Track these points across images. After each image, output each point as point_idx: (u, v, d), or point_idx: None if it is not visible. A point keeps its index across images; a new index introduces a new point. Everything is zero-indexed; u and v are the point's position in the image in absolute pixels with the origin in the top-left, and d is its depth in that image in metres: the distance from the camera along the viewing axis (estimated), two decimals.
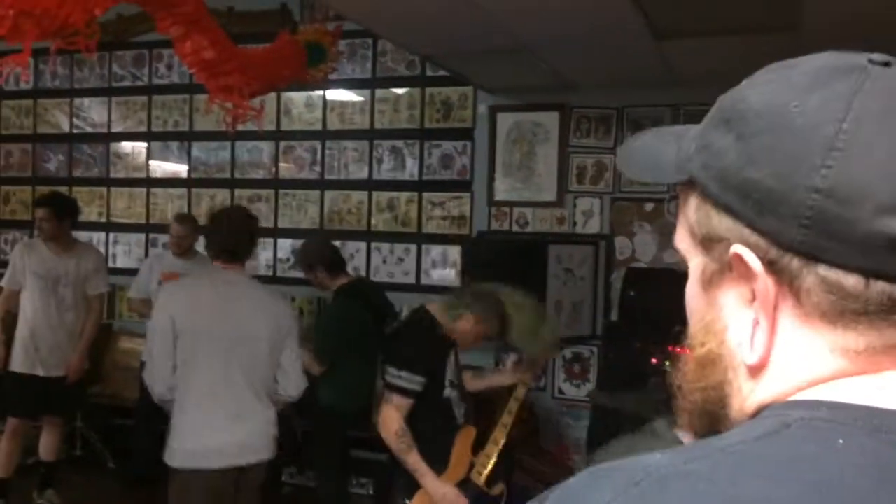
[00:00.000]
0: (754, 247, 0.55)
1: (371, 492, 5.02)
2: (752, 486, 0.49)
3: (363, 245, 5.45)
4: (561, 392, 5.03)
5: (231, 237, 2.93)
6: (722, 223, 0.57)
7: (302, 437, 5.23)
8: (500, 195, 5.16)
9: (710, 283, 0.60)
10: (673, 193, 4.74)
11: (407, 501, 2.87)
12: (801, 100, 0.54)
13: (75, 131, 6.40)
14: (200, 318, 2.82)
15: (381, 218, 5.51)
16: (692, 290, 0.62)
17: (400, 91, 5.45)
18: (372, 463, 5.07)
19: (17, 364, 4.53)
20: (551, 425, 4.96)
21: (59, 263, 4.61)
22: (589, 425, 4.63)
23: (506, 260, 4.56)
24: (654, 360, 4.14)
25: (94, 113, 6.35)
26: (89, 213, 6.27)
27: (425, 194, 5.38)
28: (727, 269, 0.58)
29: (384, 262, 5.47)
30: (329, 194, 5.66)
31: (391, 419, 2.82)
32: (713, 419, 0.60)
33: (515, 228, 5.13)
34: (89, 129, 6.36)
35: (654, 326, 4.24)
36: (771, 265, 0.55)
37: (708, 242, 0.59)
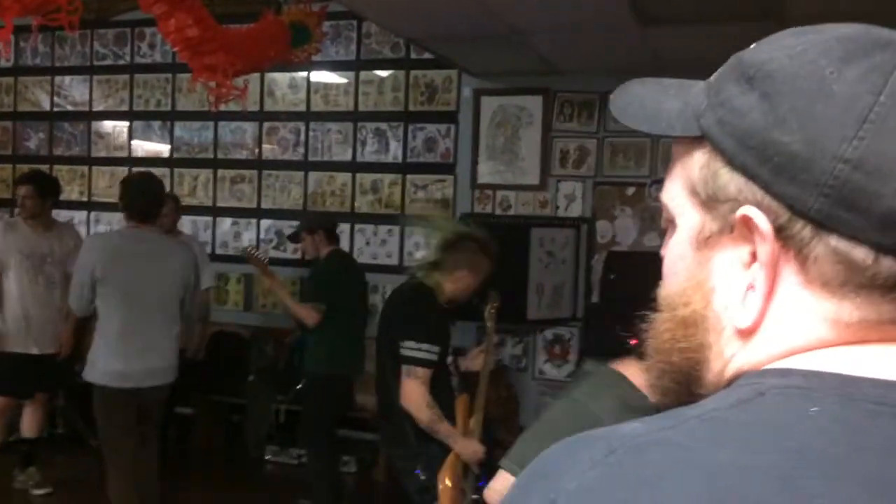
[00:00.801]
0: (766, 210, 0.54)
1: (354, 469, 5.06)
2: (728, 452, 0.49)
3: (346, 226, 5.47)
4: (541, 373, 5.10)
5: (138, 201, 3.50)
6: (732, 183, 0.55)
7: (285, 416, 5.28)
8: (483, 178, 5.19)
9: (706, 243, 0.58)
10: (655, 178, 4.80)
11: (421, 473, 2.86)
12: (837, 67, 0.52)
13: (56, 109, 6.35)
14: (117, 266, 3.43)
15: (365, 200, 5.52)
16: (679, 249, 0.60)
17: (384, 73, 5.45)
18: (354, 441, 5.14)
19: (11, 344, 4.50)
20: (532, 405, 5.02)
21: (44, 242, 4.59)
22: None
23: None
24: (633, 342, 4.20)
25: (76, 91, 6.29)
26: (70, 191, 6.23)
27: (409, 177, 5.40)
28: (728, 230, 0.56)
29: (367, 243, 5.50)
30: (313, 175, 5.66)
31: (419, 392, 2.82)
32: (687, 381, 0.60)
33: (498, 211, 5.16)
34: (70, 108, 6.31)
35: (634, 309, 4.30)
36: (780, 230, 0.54)
37: (711, 202, 0.57)
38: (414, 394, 2.82)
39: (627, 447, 0.51)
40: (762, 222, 0.54)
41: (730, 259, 0.57)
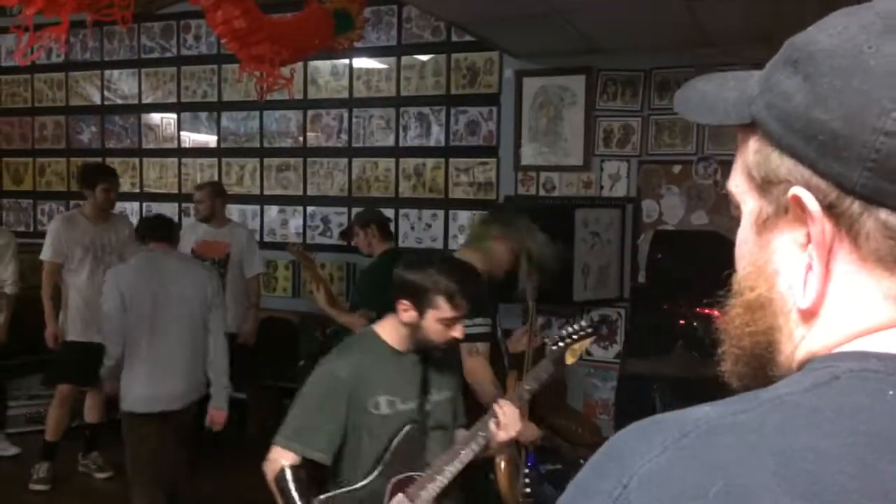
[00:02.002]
0: (814, 189, 0.54)
1: None
2: (802, 437, 0.48)
3: (391, 212, 5.51)
4: (589, 354, 5.08)
5: (148, 227, 3.70)
6: (782, 165, 0.57)
7: None
8: (526, 160, 5.18)
9: (765, 226, 0.59)
10: (701, 155, 4.73)
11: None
12: (874, 43, 0.52)
13: (106, 103, 6.50)
14: (143, 291, 3.48)
15: (408, 185, 5.55)
16: (744, 234, 0.62)
17: (425, 58, 5.46)
18: None
19: (76, 333, 4.65)
20: (578, 386, 5.02)
21: (102, 233, 4.73)
22: (617, 386, 4.69)
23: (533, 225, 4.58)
24: (681, 322, 4.17)
25: (125, 85, 6.43)
26: (123, 183, 6.39)
27: (452, 160, 5.41)
28: (783, 212, 0.57)
29: (412, 228, 5.53)
30: (356, 162, 5.71)
31: (483, 368, 2.84)
32: (761, 365, 0.60)
33: (542, 193, 5.14)
34: (120, 101, 6.46)
35: (682, 288, 4.27)
36: (830, 209, 0.54)
37: (766, 185, 0.59)
38: (479, 370, 2.85)
39: (700, 431, 0.51)
40: (811, 202, 0.55)
41: (787, 241, 0.58)
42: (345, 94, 5.70)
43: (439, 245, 5.41)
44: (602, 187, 4.99)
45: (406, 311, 2.20)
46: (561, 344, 2.36)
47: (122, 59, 6.41)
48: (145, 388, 3.48)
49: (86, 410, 4.88)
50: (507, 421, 2.18)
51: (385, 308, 4.02)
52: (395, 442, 2.17)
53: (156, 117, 6.37)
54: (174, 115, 6.28)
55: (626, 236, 4.91)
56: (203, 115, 6.19)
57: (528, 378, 2.42)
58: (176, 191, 6.27)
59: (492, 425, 2.20)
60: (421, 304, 2.18)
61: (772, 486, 0.47)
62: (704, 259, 4.35)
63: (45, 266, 4.70)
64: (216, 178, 5.95)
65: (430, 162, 5.48)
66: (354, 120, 5.69)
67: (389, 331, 2.26)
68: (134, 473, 3.56)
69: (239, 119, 6.06)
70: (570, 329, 2.39)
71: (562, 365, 2.36)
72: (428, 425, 2.25)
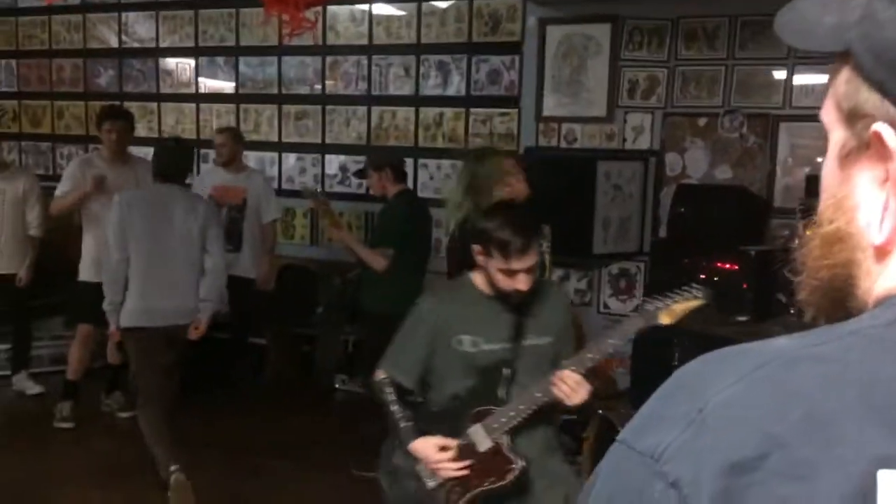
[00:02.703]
0: None
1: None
2: (886, 368, 0.49)
3: (410, 161, 5.46)
4: (606, 307, 5.08)
5: (164, 164, 3.81)
6: (869, 99, 0.55)
7: (353, 347, 5.41)
8: (548, 111, 5.09)
9: (848, 159, 0.58)
10: (728, 108, 4.63)
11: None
12: None
13: (123, 46, 6.44)
14: (140, 220, 3.69)
15: (428, 134, 5.50)
16: (828, 166, 0.61)
17: (445, 4, 5.34)
18: None
19: (90, 274, 4.67)
20: (596, 339, 5.01)
21: (120, 175, 4.72)
22: (634, 340, 4.68)
23: (553, 177, 4.54)
24: (702, 276, 4.14)
25: (141, 28, 6.36)
26: (140, 128, 6.37)
27: (472, 110, 5.34)
28: (865, 148, 0.57)
29: (431, 178, 5.49)
30: (375, 110, 5.64)
31: None
32: (838, 297, 0.60)
33: (563, 145, 5.08)
34: (136, 45, 6.39)
35: (704, 243, 4.22)
36: None
37: (852, 117, 0.57)
38: None
39: (778, 361, 0.51)
40: (892, 139, 0.53)
41: (868, 177, 0.57)
42: (364, 41, 5.61)
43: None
44: (625, 140, 4.92)
45: (479, 256, 2.31)
46: (660, 304, 2.31)
47: (139, 0, 6.33)
48: (141, 301, 3.70)
49: (108, 352, 4.95)
50: (569, 390, 2.23)
51: (400, 246, 4.07)
52: (477, 378, 2.31)
53: (173, 62, 6.31)
54: (192, 60, 6.22)
55: (648, 190, 4.85)
56: (220, 59, 6.13)
57: (602, 338, 2.39)
58: (193, 136, 6.24)
59: (557, 393, 2.24)
60: (486, 252, 2.28)
61: (855, 414, 0.48)
62: (727, 214, 4.32)
63: (55, 200, 4.73)
64: (234, 125, 5.91)
65: (450, 111, 5.41)
66: (374, 67, 5.61)
67: (481, 276, 2.35)
68: (140, 389, 3.78)
69: (257, 65, 5.99)
70: (677, 291, 2.36)
71: (653, 323, 2.34)
72: (517, 367, 2.34)
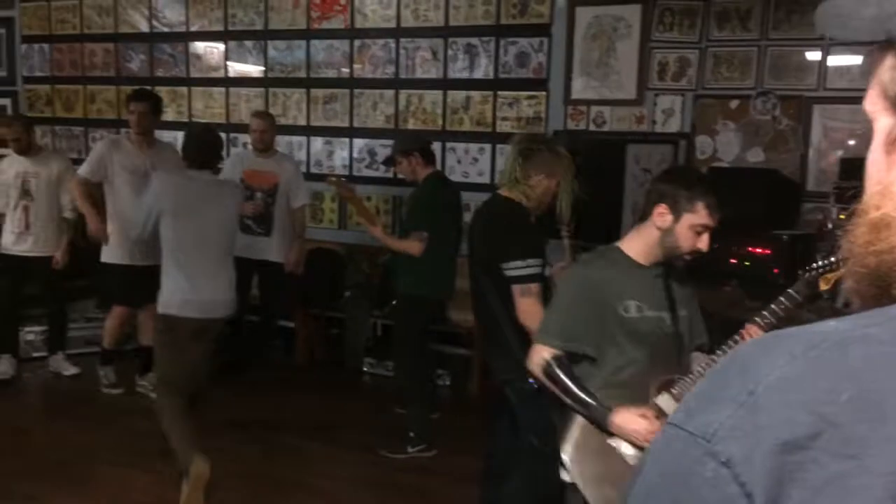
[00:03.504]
0: None
1: (448, 383, 5.21)
2: None
3: (438, 145, 5.46)
4: None
5: (196, 153, 3.72)
6: None
7: (381, 330, 5.45)
8: (577, 94, 5.06)
9: (894, 145, 0.59)
10: (760, 90, 4.56)
11: (535, 382, 2.91)
12: None
13: (154, 31, 6.48)
14: (180, 205, 3.63)
15: (455, 118, 5.48)
16: (874, 153, 0.62)
17: None
18: (448, 356, 5.28)
19: (115, 256, 4.78)
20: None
21: (147, 159, 4.79)
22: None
23: (582, 160, 4.50)
24: (732, 260, 4.10)
25: (172, 12, 6.40)
26: (169, 112, 6.43)
27: (500, 93, 5.31)
28: None
29: (458, 161, 5.48)
30: (403, 93, 5.64)
31: (538, 309, 2.83)
32: (885, 284, 0.60)
33: (592, 128, 5.04)
34: (166, 29, 6.43)
35: (735, 227, 4.17)
36: None
37: None
38: (533, 312, 2.82)
39: (829, 343, 0.52)
40: None
41: None
42: (392, 24, 5.60)
43: (486, 179, 5.36)
44: (655, 122, 4.87)
45: (662, 216, 2.26)
46: (817, 269, 2.30)
47: None
48: (178, 292, 3.61)
49: (140, 334, 5.04)
50: None
51: (432, 228, 4.06)
52: (649, 346, 2.29)
53: (203, 46, 6.34)
54: (221, 44, 6.25)
55: None
56: (249, 43, 6.15)
57: (776, 303, 2.35)
58: (223, 121, 6.28)
59: None
60: (678, 209, 2.25)
61: None
62: (760, 197, 4.26)
63: (78, 180, 4.78)
64: (263, 109, 5.94)
65: (477, 95, 5.39)
66: (402, 51, 5.60)
67: (634, 245, 2.33)
68: (161, 383, 3.70)
69: (285, 49, 6.01)
70: (832, 259, 2.36)
71: (814, 289, 2.33)
72: (682, 334, 2.36)
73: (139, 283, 4.75)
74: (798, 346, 0.52)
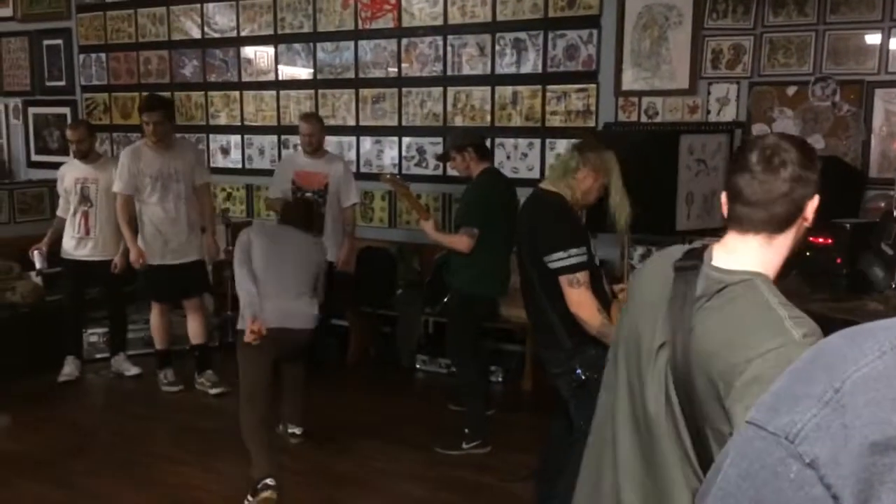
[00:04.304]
0: None
1: (501, 379, 5.19)
2: None
3: (487, 141, 5.43)
4: None
5: (291, 217, 4.14)
6: None
7: (433, 327, 5.45)
8: (627, 85, 4.98)
9: None
10: (819, 75, 4.43)
11: (581, 373, 2.85)
12: None
13: (206, 37, 6.60)
14: (269, 250, 3.89)
15: (504, 113, 5.45)
16: None
17: None
18: (501, 352, 5.25)
19: (153, 258, 4.96)
20: None
21: (168, 162, 4.91)
22: None
23: (634, 152, 4.43)
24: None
25: (223, 18, 6.50)
26: (223, 116, 6.54)
27: (549, 87, 5.26)
28: None
29: (508, 157, 5.45)
30: (451, 90, 5.63)
31: (587, 299, 2.80)
32: None
33: (644, 119, 4.96)
34: (217, 35, 6.54)
35: None
36: None
37: None
38: (584, 302, 2.80)
39: None
40: None
41: None
42: (440, 21, 5.59)
43: (535, 174, 5.31)
44: (709, 112, 4.76)
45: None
46: None
47: None
48: (263, 304, 3.78)
49: (190, 333, 5.17)
50: None
51: (485, 224, 4.05)
52: None
53: (253, 50, 6.43)
54: (271, 48, 6.33)
55: None
56: (299, 46, 6.22)
57: None
58: (275, 123, 6.36)
59: None
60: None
61: None
62: (820, 185, 4.13)
63: (119, 198, 4.94)
64: (313, 111, 6.00)
65: (526, 89, 5.35)
66: (450, 48, 5.59)
67: (771, 271, 1.52)
68: (245, 396, 3.75)
69: (333, 50, 6.06)
70: None
71: None
72: None
73: (172, 279, 4.98)
74: (888, 340, 0.50)
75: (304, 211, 4.27)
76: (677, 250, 1.62)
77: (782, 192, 1.45)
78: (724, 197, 1.54)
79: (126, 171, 4.90)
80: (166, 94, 6.78)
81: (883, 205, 4.17)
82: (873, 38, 4.30)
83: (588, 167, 2.99)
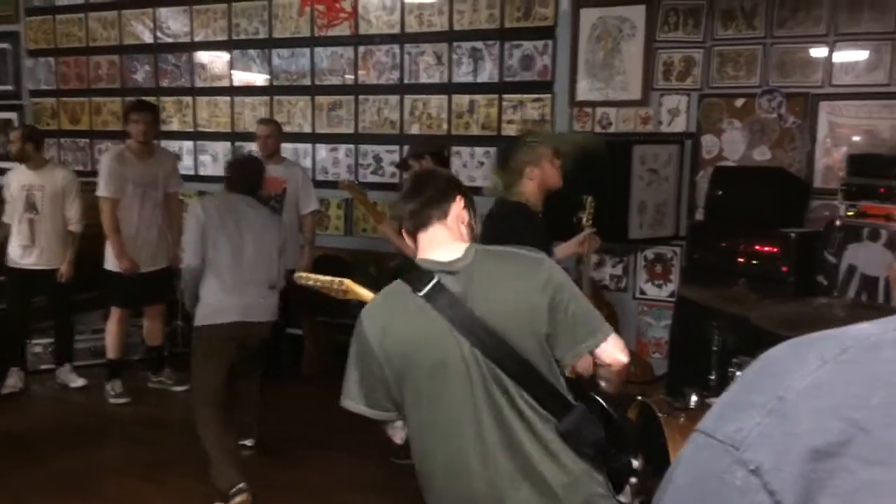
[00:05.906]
0: None
1: None
2: None
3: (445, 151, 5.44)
4: (642, 292, 5.02)
5: (240, 182, 3.82)
6: None
7: None
8: (582, 95, 5.04)
9: None
10: (766, 88, 4.54)
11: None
12: None
13: (158, 42, 6.50)
14: (225, 238, 3.66)
15: (461, 122, 5.47)
16: None
17: None
18: None
19: (119, 265, 4.86)
20: (632, 324, 4.98)
21: (150, 169, 4.87)
22: (672, 323, 4.63)
23: (588, 161, 4.48)
24: (740, 260, 4.07)
25: (175, 23, 6.41)
26: (173, 122, 6.44)
27: (505, 96, 5.30)
28: None
29: (465, 165, 5.47)
30: (408, 98, 5.63)
31: None
32: None
33: (598, 129, 5.02)
34: (170, 40, 6.45)
35: (742, 226, 4.15)
36: None
37: None
38: None
39: (861, 346, 0.50)
40: None
41: None
42: (397, 29, 5.59)
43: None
44: (661, 122, 4.84)
45: None
46: None
47: None
48: (216, 298, 3.62)
49: (147, 336, 5.12)
50: None
51: None
52: None
53: (208, 56, 6.36)
54: (225, 54, 6.26)
55: (685, 173, 4.78)
56: (254, 52, 6.16)
57: None
58: (228, 129, 6.29)
59: None
60: None
61: None
62: (766, 196, 4.24)
63: (105, 203, 4.81)
64: (268, 117, 5.95)
65: (482, 98, 5.38)
66: (406, 56, 5.60)
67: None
68: (197, 396, 3.68)
69: (289, 57, 6.01)
70: None
71: None
72: None
73: (140, 287, 4.91)
74: (830, 350, 0.51)
75: (246, 170, 3.96)
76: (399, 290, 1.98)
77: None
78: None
79: (113, 174, 4.81)
80: (116, 99, 6.68)
81: (827, 214, 4.29)
82: (818, 52, 4.43)
83: (531, 163, 3.03)
